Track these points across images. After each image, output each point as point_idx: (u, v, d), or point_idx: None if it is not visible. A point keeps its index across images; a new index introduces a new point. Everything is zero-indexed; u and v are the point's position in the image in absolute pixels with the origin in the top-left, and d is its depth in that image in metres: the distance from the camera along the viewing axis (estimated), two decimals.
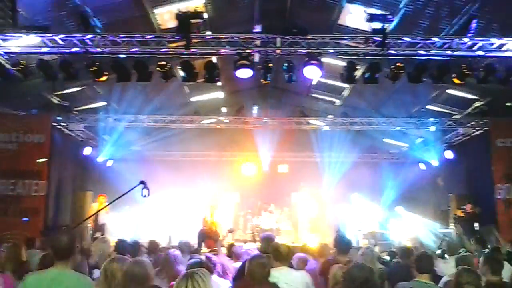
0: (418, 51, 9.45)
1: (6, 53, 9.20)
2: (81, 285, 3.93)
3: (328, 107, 17.35)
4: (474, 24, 8.88)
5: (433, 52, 9.36)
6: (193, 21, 8.90)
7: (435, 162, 16.91)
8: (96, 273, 5.50)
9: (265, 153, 18.06)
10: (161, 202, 17.12)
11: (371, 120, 15.50)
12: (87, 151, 16.24)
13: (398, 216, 16.82)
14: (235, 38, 9.59)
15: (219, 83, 12.79)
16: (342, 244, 6.30)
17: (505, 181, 13.24)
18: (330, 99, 16.92)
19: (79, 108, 15.01)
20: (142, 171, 16.45)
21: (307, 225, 17.87)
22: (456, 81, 9.61)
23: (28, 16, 9.05)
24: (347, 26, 11.63)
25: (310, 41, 9.49)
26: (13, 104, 13.21)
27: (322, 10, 11.77)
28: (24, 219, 12.70)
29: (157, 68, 9.59)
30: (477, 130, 14.71)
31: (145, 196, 6.28)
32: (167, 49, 9.53)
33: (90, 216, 12.98)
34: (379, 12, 9.83)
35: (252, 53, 9.53)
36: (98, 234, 12.55)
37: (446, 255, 7.96)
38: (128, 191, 6.40)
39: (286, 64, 9.75)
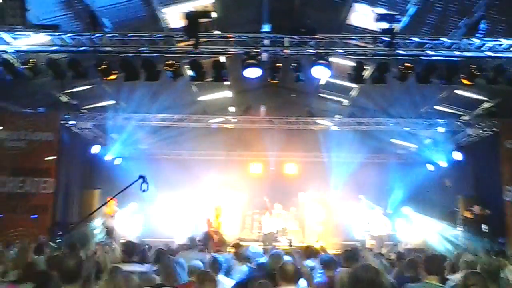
0: (427, 51, 9.39)
1: (15, 51, 9.27)
2: None
3: (336, 107, 17.30)
4: (482, 25, 8.82)
5: (441, 52, 9.30)
6: (201, 20, 8.91)
7: (443, 163, 16.82)
8: None
9: (272, 153, 18.05)
10: (168, 201, 17.21)
11: (379, 121, 15.44)
12: (95, 149, 16.33)
13: (405, 217, 16.77)
14: (243, 37, 9.58)
15: (227, 83, 12.81)
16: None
17: None
18: (338, 99, 16.87)
19: (87, 107, 15.10)
20: (150, 169, 16.56)
21: (314, 225, 17.82)
22: (465, 81, 9.54)
23: (38, 15, 9.10)
24: (355, 26, 11.60)
25: (318, 40, 9.47)
26: (22, 102, 13.33)
27: (330, 10, 11.74)
28: (33, 216, 12.79)
29: (165, 67, 9.61)
30: (486, 131, 14.63)
31: (144, 190, 6.28)
32: (175, 48, 9.54)
33: (92, 213, 13.01)
34: (387, 12, 9.79)
35: (260, 53, 9.53)
36: (106, 238, 12.66)
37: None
38: (128, 186, 6.41)
39: (294, 64, 9.74)
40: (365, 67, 9.88)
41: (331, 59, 9.62)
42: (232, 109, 17.75)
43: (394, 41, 9.06)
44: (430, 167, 17.67)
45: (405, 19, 10.06)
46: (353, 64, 9.99)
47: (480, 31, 8.88)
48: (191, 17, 8.84)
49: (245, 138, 17.48)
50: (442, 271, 5.05)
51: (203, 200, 16.94)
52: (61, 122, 14.19)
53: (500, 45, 9.13)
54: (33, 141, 13.38)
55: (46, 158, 13.33)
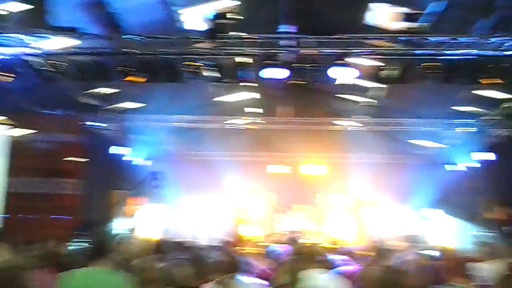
0: (448, 51, 9.25)
1: (39, 54, 9.45)
2: (122, 284, 3.94)
3: (356, 107, 17.12)
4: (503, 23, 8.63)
5: (463, 51, 9.15)
6: (220, 21, 8.95)
7: (469, 164, 16.56)
8: None
9: (294, 154, 17.99)
10: (191, 201, 17.35)
11: (403, 121, 15.26)
12: (118, 150, 16.52)
13: (432, 218, 16.56)
14: (262, 38, 9.59)
15: (250, 84, 12.80)
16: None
17: None
18: (359, 99, 16.70)
19: (111, 108, 15.28)
20: (174, 170, 16.74)
21: (337, 226, 17.71)
22: (488, 81, 9.37)
23: (59, 17, 9.24)
24: (375, 25, 11.47)
25: (337, 40, 9.41)
26: (46, 105, 13.55)
27: (349, 9, 11.63)
28: (57, 217, 13.01)
29: (185, 69, 9.69)
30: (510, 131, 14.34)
31: (155, 187, 6.38)
32: (195, 49, 9.60)
33: (115, 212, 13.21)
34: (407, 10, 9.66)
35: (279, 53, 9.53)
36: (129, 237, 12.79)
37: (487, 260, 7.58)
38: (140, 183, 6.52)
39: (314, 64, 9.69)
40: (385, 67, 9.79)
41: (351, 59, 9.56)
42: (255, 110, 17.74)
43: (414, 41, 8.96)
44: (456, 168, 17.39)
45: (425, 18, 9.90)
46: (373, 64, 9.91)
47: (500, 30, 8.68)
48: (211, 18, 8.89)
49: (266, 139, 17.47)
50: (469, 273, 4.96)
51: (227, 201, 17.01)
52: (85, 124, 14.42)
53: None
54: (57, 142, 13.63)
55: (70, 159, 13.55)
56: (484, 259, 6.86)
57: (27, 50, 9.28)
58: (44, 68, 9.57)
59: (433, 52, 9.27)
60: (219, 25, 8.91)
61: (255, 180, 18.36)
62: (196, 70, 9.75)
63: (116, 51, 9.55)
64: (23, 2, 8.50)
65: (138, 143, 16.99)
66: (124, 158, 17.05)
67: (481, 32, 9.22)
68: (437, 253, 7.57)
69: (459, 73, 9.37)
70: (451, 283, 4.61)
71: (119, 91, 13.79)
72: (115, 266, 4.16)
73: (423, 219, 16.53)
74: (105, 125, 15.42)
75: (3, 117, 13.87)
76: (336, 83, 10.81)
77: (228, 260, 5.80)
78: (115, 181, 17.20)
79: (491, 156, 15.18)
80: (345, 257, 7.26)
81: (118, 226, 14.05)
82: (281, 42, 9.61)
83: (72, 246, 8.41)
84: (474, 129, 15.07)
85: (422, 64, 9.43)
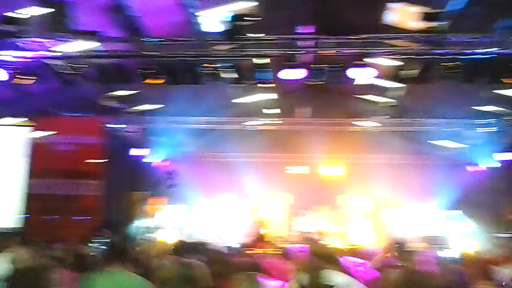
0: (470, 50, 9.12)
1: (58, 57, 9.58)
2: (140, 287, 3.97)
3: (376, 108, 17.00)
4: None
5: (485, 50, 9.01)
6: (238, 23, 8.97)
7: (491, 164, 16.31)
8: None
9: (312, 155, 17.91)
10: (211, 202, 17.42)
11: (423, 121, 15.10)
12: (139, 152, 16.68)
13: (454, 219, 16.35)
14: (280, 39, 9.58)
15: (266, 85, 12.78)
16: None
17: None
18: (379, 99, 16.57)
19: (130, 110, 15.43)
20: (193, 171, 16.83)
21: (357, 228, 17.59)
22: (510, 80, 9.22)
23: (79, 21, 9.36)
24: (395, 25, 11.37)
25: (355, 41, 9.35)
26: (67, 107, 13.74)
27: (370, 9, 11.55)
28: (79, 218, 13.18)
29: (204, 70, 9.73)
30: None
31: (170, 186, 6.43)
32: (213, 51, 9.65)
33: (136, 213, 13.33)
34: (426, 9, 9.55)
35: (299, 54, 9.51)
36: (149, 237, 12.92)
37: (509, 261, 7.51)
38: (156, 182, 6.58)
39: (332, 65, 9.65)
40: (406, 67, 9.69)
41: (371, 59, 9.50)
42: (272, 111, 17.72)
43: (436, 40, 8.86)
44: (478, 168, 17.14)
45: (447, 18, 9.79)
46: (394, 64, 9.82)
47: None
48: (230, 19, 8.92)
49: (285, 140, 17.42)
50: (492, 276, 4.89)
51: (245, 202, 17.04)
52: (107, 125, 14.59)
53: None
54: (78, 144, 13.80)
55: (91, 161, 13.73)
56: (506, 261, 6.77)
57: (48, 54, 9.42)
58: (65, 71, 9.70)
59: (453, 51, 9.15)
60: (237, 26, 8.92)
61: (274, 181, 18.33)
62: (215, 72, 9.78)
63: (136, 53, 9.65)
64: (43, 6, 8.63)
65: (157, 144, 17.12)
66: (144, 160, 17.20)
67: (502, 30, 9.09)
68: (458, 255, 7.45)
69: (480, 72, 9.23)
70: (474, 287, 4.54)
71: (138, 93, 13.92)
72: (135, 266, 4.20)
73: (444, 220, 16.32)
74: (125, 126, 15.56)
75: (25, 119, 14.14)
76: (355, 83, 10.74)
77: (247, 260, 5.83)
78: (135, 182, 17.38)
79: None
80: (364, 259, 7.20)
81: (138, 226, 14.16)
82: (299, 43, 9.58)
83: (93, 246, 8.50)
84: (495, 129, 14.81)
85: (442, 64, 9.30)
